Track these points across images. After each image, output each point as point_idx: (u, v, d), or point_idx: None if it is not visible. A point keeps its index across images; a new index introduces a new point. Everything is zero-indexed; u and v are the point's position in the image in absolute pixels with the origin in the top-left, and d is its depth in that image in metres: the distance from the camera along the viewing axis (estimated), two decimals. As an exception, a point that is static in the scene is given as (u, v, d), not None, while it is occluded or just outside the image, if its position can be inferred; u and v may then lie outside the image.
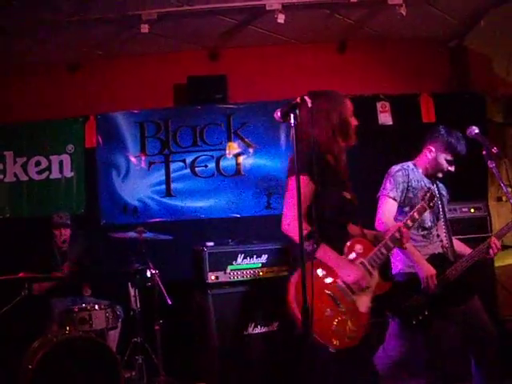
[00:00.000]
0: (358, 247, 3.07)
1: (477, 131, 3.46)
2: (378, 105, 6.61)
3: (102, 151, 6.53)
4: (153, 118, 6.58)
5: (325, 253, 2.96)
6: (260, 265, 5.23)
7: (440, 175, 4.00)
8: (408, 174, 3.97)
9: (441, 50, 6.86)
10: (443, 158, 3.89)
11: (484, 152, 3.40)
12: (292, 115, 2.79)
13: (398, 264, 3.91)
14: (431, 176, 4.01)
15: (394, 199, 3.89)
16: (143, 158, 6.55)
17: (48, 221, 5.63)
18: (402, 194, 3.90)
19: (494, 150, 3.23)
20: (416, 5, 5.74)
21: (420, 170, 4.03)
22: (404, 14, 5.60)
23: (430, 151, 4.01)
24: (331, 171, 3.07)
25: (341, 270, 2.95)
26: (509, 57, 6.57)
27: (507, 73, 6.67)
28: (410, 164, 4.08)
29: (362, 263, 3.03)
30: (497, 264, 5.75)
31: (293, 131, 2.77)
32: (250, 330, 5.04)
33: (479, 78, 6.51)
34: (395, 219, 3.90)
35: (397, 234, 3.10)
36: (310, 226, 2.93)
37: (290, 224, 2.94)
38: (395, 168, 4.04)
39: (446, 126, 3.99)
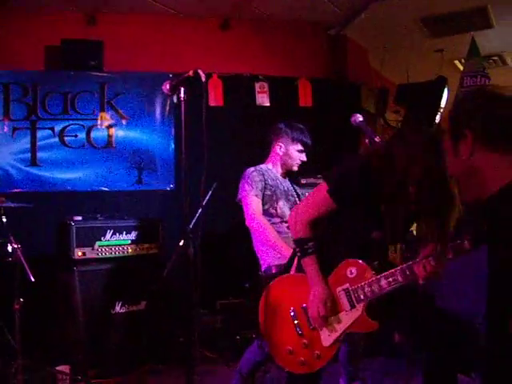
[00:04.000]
0: (351, 270, 2.65)
1: (361, 119, 3.51)
2: (257, 85, 6.59)
3: (-40, 112, 5.97)
4: (19, 79, 6.07)
5: (308, 266, 2.69)
6: (129, 241, 5.08)
7: (295, 168, 4.23)
8: (263, 173, 4.12)
9: (321, 37, 6.95)
10: (294, 150, 4.15)
11: (366, 140, 3.44)
12: (182, 89, 2.68)
13: (266, 259, 3.96)
14: (286, 172, 4.25)
15: (257, 196, 4.01)
16: (6, 122, 6.04)
17: None
18: (261, 192, 4.01)
19: (377, 138, 3.27)
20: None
21: (274, 170, 4.22)
22: (289, -5, 5.62)
23: (280, 147, 4.23)
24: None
25: (312, 289, 2.67)
26: (384, 51, 6.82)
27: (381, 66, 6.92)
28: (262, 166, 4.23)
29: (345, 290, 2.67)
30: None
31: (183, 107, 2.65)
32: (118, 308, 4.88)
33: (357, 67, 6.68)
34: None
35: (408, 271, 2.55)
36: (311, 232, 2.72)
37: (292, 222, 2.78)
38: (250, 170, 4.16)
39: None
